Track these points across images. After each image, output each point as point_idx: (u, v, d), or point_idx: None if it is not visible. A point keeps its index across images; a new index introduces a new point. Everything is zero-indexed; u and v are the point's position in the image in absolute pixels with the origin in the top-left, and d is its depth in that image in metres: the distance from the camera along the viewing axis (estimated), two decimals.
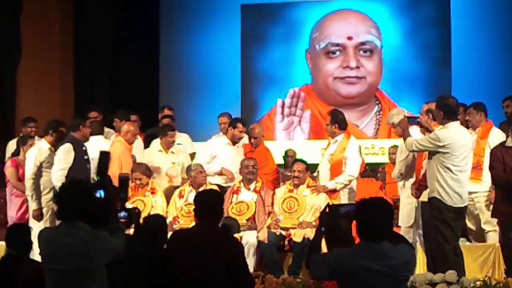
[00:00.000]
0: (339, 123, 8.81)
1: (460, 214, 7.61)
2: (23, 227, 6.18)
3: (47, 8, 12.57)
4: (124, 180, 7.29)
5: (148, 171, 9.19)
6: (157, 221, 5.93)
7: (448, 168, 7.41)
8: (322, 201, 8.64)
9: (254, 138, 9.61)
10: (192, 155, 10.36)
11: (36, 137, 10.24)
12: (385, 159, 10.76)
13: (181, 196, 9.09)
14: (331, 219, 4.54)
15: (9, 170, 9.50)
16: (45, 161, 8.88)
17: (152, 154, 9.69)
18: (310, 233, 8.41)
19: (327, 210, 4.56)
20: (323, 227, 4.54)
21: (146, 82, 13.01)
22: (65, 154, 8.68)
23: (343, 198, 8.70)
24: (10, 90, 12.16)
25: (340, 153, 8.68)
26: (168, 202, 9.15)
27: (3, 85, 12.14)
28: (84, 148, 8.82)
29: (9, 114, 11.89)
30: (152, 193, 8.98)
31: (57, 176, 8.65)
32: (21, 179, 9.44)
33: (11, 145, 10.21)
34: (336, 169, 8.68)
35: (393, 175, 8.59)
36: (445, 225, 7.43)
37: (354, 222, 4.45)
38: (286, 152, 11.22)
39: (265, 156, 9.56)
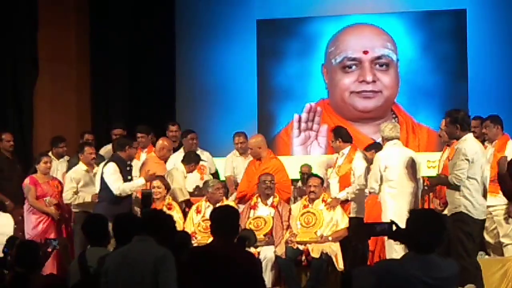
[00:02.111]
0: (342, 136, 8.91)
1: (482, 227, 7.61)
2: (31, 244, 6.18)
3: (63, 26, 12.64)
4: (147, 195, 7.37)
5: (167, 184, 9.26)
6: (182, 237, 5.99)
7: (475, 179, 7.42)
8: (338, 215, 8.67)
9: (250, 149, 9.62)
10: (214, 175, 10.39)
11: (66, 156, 10.29)
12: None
13: (198, 211, 9.12)
14: (367, 237, 4.59)
15: (27, 188, 9.52)
16: None
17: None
18: (328, 248, 8.41)
19: (362, 227, 4.60)
20: (360, 244, 4.59)
21: (162, 98, 13.03)
22: (116, 173, 8.85)
23: (352, 211, 8.72)
24: (27, 111, 12.22)
25: (348, 164, 8.75)
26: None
27: (21, 107, 12.19)
28: (128, 168, 8.91)
29: (26, 133, 11.93)
30: (169, 208, 8.99)
31: (123, 188, 8.86)
32: (38, 197, 9.47)
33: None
34: (344, 180, 8.76)
35: (370, 189, 8.46)
36: (469, 238, 7.42)
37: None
38: (301, 167, 11.20)
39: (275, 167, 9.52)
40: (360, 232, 4.60)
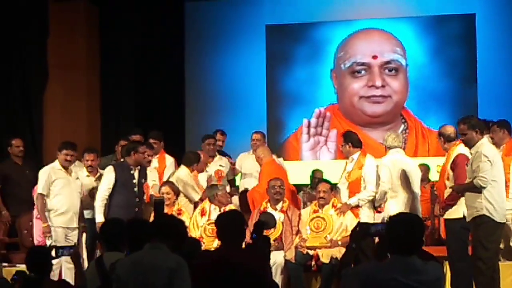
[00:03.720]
0: (353, 141, 8.88)
1: (502, 230, 7.62)
2: (42, 250, 6.18)
3: (73, 34, 12.70)
4: (159, 203, 7.37)
5: (177, 189, 9.29)
6: (192, 244, 6.00)
7: (496, 182, 7.44)
8: (348, 220, 8.65)
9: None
10: (231, 182, 10.47)
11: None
12: None
13: (203, 214, 9.12)
14: (362, 237, 4.62)
15: (36, 195, 9.54)
16: None
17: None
18: (338, 253, 8.40)
19: (357, 228, 4.62)
20: (354, 244, 4.61)
21: (172, 104, 13.07)
22: (105, 176, 8.86)
23: (362, 215, 8.71)
24: (38, 117, 12.26)
25: (358, 170, 8.73)
26: None
27: (32, 114, 12.24)
28: (132, 172, 8.89)
29: (37, 140, 11.95)
30: (178, 214, 9.00)
31: (97, 196, 8.81)
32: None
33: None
34: (354, 186, 8.72)
35: (380, 197, 8.61)
36: (490, 242, 7.42)
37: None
38: (313, 172, 11.20)
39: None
40: (356, 233, 4.63)
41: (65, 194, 8.93)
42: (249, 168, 10.38)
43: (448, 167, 8.01)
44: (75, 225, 9.00)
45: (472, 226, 7.53)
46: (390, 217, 4.55)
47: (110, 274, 5.35)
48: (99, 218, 8.69)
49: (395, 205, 8.43)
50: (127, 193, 8.80)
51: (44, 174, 8.96)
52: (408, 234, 4.38)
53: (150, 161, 9.31)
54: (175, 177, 9.65)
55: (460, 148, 7.98)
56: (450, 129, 8.25)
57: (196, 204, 9.58)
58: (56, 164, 9.02)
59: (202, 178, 9.90)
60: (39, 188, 8.94)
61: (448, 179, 7.92)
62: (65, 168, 8.98)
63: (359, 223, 4.65)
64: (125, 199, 8.76)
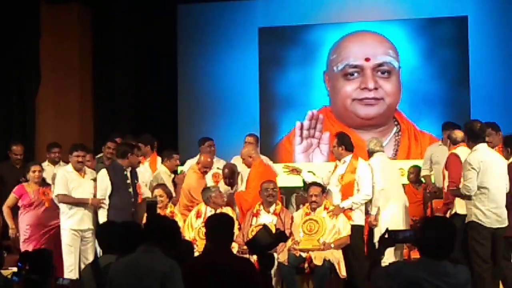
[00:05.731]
0: (346, 144, 8.91)
1: (495, 234, 7.62)
2: (45, 252, 6.19)
3: (66, 35, 12.69)
4: (152, 205, 7.39)
5: (169, 192, 9.31)
6: (185, 246, 6.01)
7: (486, 188, 7.48)
8: (340, 222, 8.66)
9: (243, 159, 9.74)
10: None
11: (61, 162, 10.33)
12: (404, 179, 10.75)
13: (198, 216, 9.13)
14: (391, 244, 4.67)
15: (10, 195, 9.54)
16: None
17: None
18: (330, 256, 8.42)
19: (386, 235, 4.65)
20: (382, 249, 4.67)
21: (164, 106, 13.06)
22: (100, 180, 8.90)
23: (356, 218, 8.73)
24: (30, 119, 12.27)
25: (351, 173, 8.75)
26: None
27: (24, 116, 12.24)
28: (125, 173, 8.91)
29: (30, 142, 11.94)
30: (171, 217, 9.00)
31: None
32: (25, 205, 9.44)
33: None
34: (347, 189, 8.75)
35: (377, 196, 8.75)
36: (482, 247, 7.52)
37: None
38: None
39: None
40: (385, 240, 4.66)
41: (75, 196, 8.98)
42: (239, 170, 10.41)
43: (444, 168, 8.12)
44: (88, 226, 9.02)
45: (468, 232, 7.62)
46: (424, 221, 4.62)
47: (104, 276, 5.35)
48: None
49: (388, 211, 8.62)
50: (122, 195, 8.86)
51: (59, 176, 9.05)
52: (441, 239, 4.45)
53: (139, 162, 9.40)
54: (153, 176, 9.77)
55: (457, 150, 8.08)
56: (456, 134, 8.40)
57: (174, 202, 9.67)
58: (68, 167, 9.12)
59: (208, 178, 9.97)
60: (57, 190, 9.00)
61: (444, 179, 8.04)
62: (78, 170, 9.02)
63: (387, 230, 4.68)
64: (121, 201, 8.82)
